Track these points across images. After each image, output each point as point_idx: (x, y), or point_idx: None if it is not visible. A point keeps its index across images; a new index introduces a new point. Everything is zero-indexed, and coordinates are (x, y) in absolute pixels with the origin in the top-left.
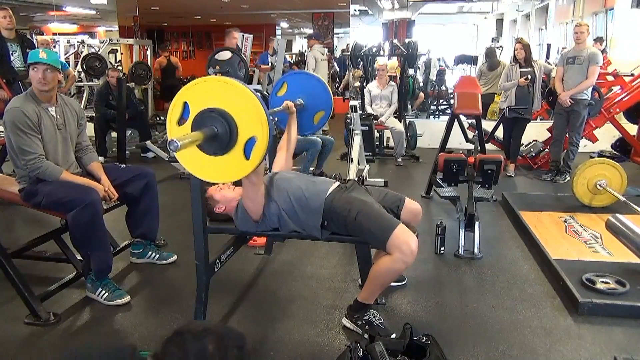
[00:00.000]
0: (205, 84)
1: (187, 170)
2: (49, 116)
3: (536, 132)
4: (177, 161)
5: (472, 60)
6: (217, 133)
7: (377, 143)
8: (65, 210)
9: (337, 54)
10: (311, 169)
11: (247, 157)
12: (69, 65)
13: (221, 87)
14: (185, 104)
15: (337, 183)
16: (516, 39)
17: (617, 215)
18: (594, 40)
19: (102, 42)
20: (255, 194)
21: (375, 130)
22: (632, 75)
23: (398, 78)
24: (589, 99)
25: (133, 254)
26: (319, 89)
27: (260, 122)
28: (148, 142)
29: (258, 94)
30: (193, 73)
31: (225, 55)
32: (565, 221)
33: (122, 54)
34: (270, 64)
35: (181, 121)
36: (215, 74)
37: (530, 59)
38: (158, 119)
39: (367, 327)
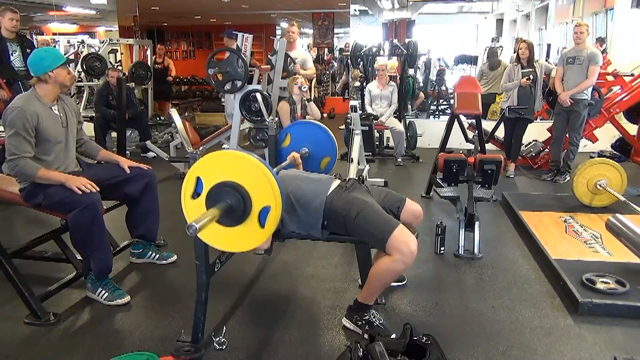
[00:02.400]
0: (217, 159)
1: (209, 244)
2: (53, 115)
3: (536, 132)
4: (178, 161)
5: (472, 60)
6: (232, 206)
7: (377, 143)
8: (65, 210)
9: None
10: None
11: (261, 225)
12: (69, 65)
13: (233, 161)
14: (198, 179)
15: (338, 182)
16: (520, 39)
17: (617, 215)
18: (596, 40)
19: (102, 42)
20: None
21: (375, 130)
22: (632, 75)
23: (398, 78)
24: (589, 99)
25: (133, 254)
26: (322, 136)
27: (272, 192)
28: (148, 142)
29: (269, 165)
30: (193, 73)
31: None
32: (565, 221)
33: (122, 54)
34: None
35: (195, 195)
36: (215, 74)
37: (532, 59)
38: (158, 119)
39: (367, 327)
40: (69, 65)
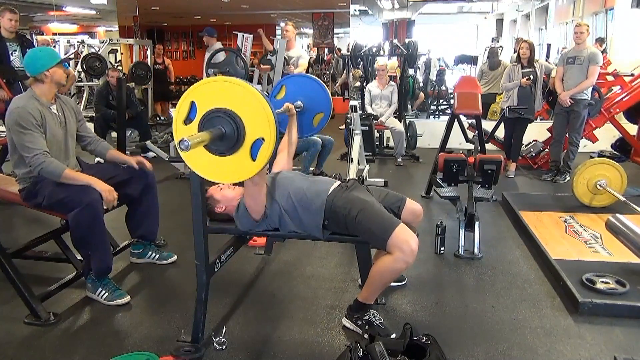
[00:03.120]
0: (213, 84)
1: (192, 169)
2: (52, 114)
3: (536, 132)
4: (178, 161)
5: (472, 60)
6: (225, 133)
7: (377, 143)
8: (65, 210)
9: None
10: (311, 168)
11: (253, 158)
12: (68, 65)
13: (230, 88)
14: (193, 104)
15: (338, 182)
16: (521, 39)
17: (617, 215)
18: (595, 40)
19: (102, 42)
20: (258, 193)
21: (375, 130)
22: (632, 75)
23: (398, 78)
24: (589, 99)
25: (133, 254)
26: (317, 90)
27: (268, 124)
28: (148, 142)
29: (266, 95)
30: (193, 73)
31: (220, 57)
32: (565, 221)
33: (122, 54)
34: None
35: (187, 121)
36: (215, 74)
37: (533, 59)
38: (158, 119)
39: (367, 327)
40: (69, 65)
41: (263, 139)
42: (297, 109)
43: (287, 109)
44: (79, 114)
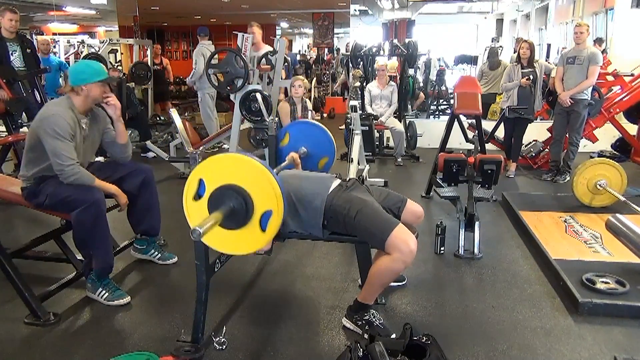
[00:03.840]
0: (220, 161)
1: (210, 246)
2: (81, 128)
3: (536, 132)
4: (178, 161)
5: (472, 60)
6: (234, 209)
7: (377, 143)
8: (68, 209)
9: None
10: None
11: (263, 229)
12: (68, 65)
13: (236, 164)
14: (201, 181)
15: (339, 181)
16: (521, 39)
17: (617, 215)
18: (594, 41)
19: (102, 42)
20: None
21: (375, 130)
22: (632, 75)
23: (398, 78)
24: (589, 99)
25: (136, 248)
26: (321, 136)
27: (275, 197)
28: (148, 142)
29: (271, 169)
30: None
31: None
32: (565, 221)
33: (122, 54)
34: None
35: (197, 197)
36: (215, 75)
37: (533, 59)
38: (158, 119)
39: (367, 327)
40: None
41: (271, 211)
42: (302, 156)
43: (291, 159)
44: (107, 124)
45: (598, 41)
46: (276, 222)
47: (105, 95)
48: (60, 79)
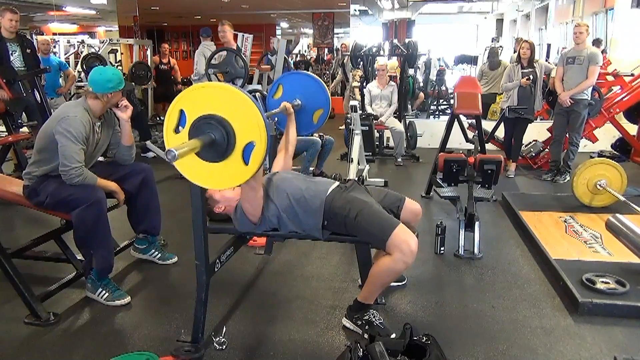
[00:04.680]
0: (201, 91)
1: (188, 178)
2: (94, 131)
3: (536, 132)
4: None
5: (472, 60)
6: (215, 140)
7: (377, 143)
8: (69, 208)
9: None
10: (311, 168)
11: (246, 162)
12: (68, 65)
13: (217, 93)
14: (182, 112)
15: (337, 183)
16: (521, 39)
17: (617, 215)
18: (592, 42)
19: (102, 42)
20: (254, 197)
21: (375, 130)
22: (632, 75)
23: (398, 78)
24: (589, 99)
25: (136, 248)
26: (315, 87)
27: (257, 127)
28: (148, 142)
29: (254, 98)
30: (189, 74)
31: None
32: (565, 221)
33: (122, 54)
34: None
35: (178, 129)
36: (215, 74)
37: (533, 59)
38: (158, 119)
39: (367, 327)
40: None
41: (254, 143)
42: (295, 108)
43: (284, 108)
44: (115, 126)
45: (596, 42)
46: (259, 153)
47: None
48: (60, 79)
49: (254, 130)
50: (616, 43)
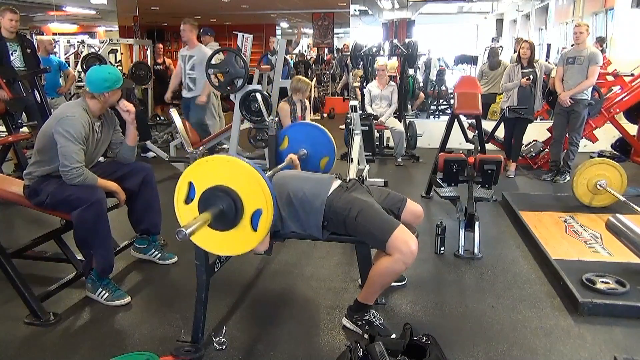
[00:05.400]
0: (207, 164)
1: (202, 247)
2: (94, 130)
3: (536, 132)
4: (177, 161)
5: (472, 60)
6: (224, 210)
7: (377, 143)
8: (70, 208)
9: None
10: None
11: (254, 228)
12: (68, 65)
13: (223, 166)
14: (191, 184)
15: (339, 182)
16: (521, 39)
17: (617, 215)
18: (596, 40)
19: (102, 42)
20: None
21: (375, 130)
22: (632, 75)
23: (398, 78)
24: (589, 99)
25: (136, 248)
26: (320, 136)
27: (263, 195)
28: (148, 142)
29: (260, 168)
30: None
31: (218, 57)
32: (565, 221)
33: (122, 54)
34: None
35: (188, 200)
36: (215, 75)
37: (533, 59)
38: (158, 119)
39: (367, 327)
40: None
41: (261, 210)
42: (302, 157)
43: (290, 161)
44: (116, 125)
45: (599, 40)
46: (266, 220)
47: (121, 101)
48: (60, 79)
49: (260, 198)
50: (616, 43)
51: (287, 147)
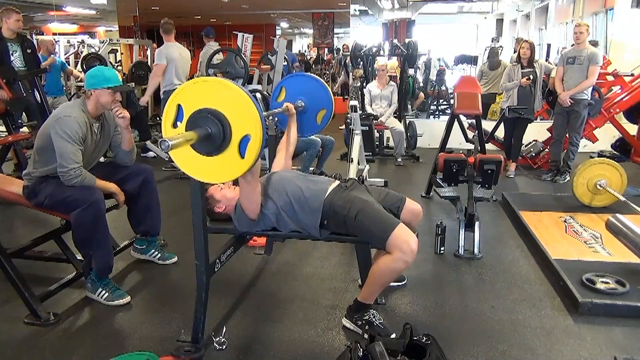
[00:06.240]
0: (197, 86)
1: (184, 170)
2: (92, 131)
3: (536, 132)
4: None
5: (472, 60)
6: (211, 133)
7: (377, 143)
8: (68, 209)
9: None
10: (311, 168)
11: (242, 155)
12: (68, 64)
13: (213, 88)
14: (179, 106)
15: (337, 182)
16: (521, 39)
17: (617, 215)
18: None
19: (102, 42)
20: (252, 193)
21: (375, 130)
22: (632, 75)
23: (398, 78)
24: (589, 99)
25: (136, 248)
26: (317, 88)
27: (253, 120)
28: (148, 142)
29: (249, 92)
30: (193, 73)
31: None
32: (565, 221)
33: (122, 54)
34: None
35: (176, 124)
36: (216, 75)
37: (533, 59)
38: (158, 119)
39: (367, 327)
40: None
41: (249, 136)
42: (299, 109)
43: (285, 108)
44: (115, 127)
45: (592, 43)
46: (255, 147)
47: (115, 107)
48: (62, 79)
49: (249, 123)
50: (616, 43)
51: (283, 99)
